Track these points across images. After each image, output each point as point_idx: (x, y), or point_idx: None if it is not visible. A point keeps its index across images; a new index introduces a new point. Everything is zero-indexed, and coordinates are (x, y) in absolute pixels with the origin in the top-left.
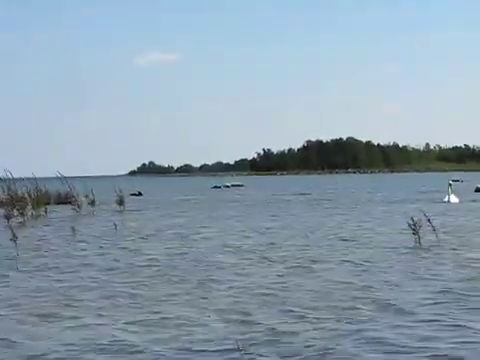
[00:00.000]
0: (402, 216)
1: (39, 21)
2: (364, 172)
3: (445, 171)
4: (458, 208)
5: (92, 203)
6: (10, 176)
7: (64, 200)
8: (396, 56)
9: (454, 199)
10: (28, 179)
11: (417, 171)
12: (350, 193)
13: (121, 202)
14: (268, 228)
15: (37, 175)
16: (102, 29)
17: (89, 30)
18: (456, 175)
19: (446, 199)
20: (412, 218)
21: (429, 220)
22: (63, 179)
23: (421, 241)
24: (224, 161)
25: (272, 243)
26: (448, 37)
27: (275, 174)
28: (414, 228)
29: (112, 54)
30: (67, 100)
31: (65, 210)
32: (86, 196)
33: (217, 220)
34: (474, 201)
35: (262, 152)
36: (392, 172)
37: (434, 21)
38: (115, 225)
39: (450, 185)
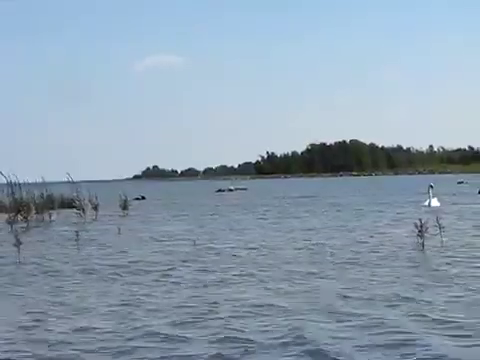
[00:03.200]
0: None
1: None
2: (368, 174)
3: (449, 173)
4: (437, 211)
5: (96, 208)
6: (15, 180)
7: (68, 205)
8: (398, 59)
9: (435, 203)
10: (34, 184)
11: (421, 173)
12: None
13: (125, 206)
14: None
15: (42, 179)
16: (102, 34)
17: (89, 36)
18: (460, 177)
19: (426, 203)
20: (420, 220)
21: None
22: (71, 183)
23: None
24: (228, 165)
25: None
26: (451, 40)
27: (279, 177)
28: (420, 230)
29: (112, 58)
30: (69, 105)
31: (69, 215)
32: (90, 201)
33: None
34: (455, 204)
35: (266, 155)
36: (396, 174)
37: (436, 24)
38: (119, 229)
39: (431, 187)
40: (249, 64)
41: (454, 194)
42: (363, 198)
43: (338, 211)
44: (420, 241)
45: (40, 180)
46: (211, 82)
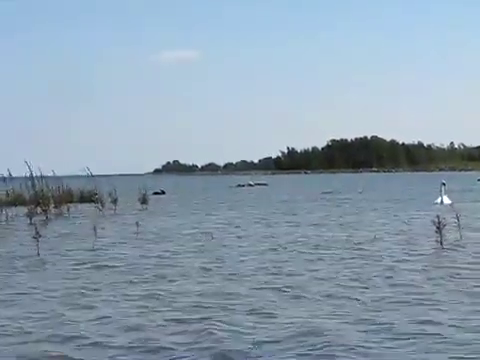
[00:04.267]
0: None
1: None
2: (388, 171)
3: (470, 170)
4: (448, 210)
5: (115, 202)
6: (35, 174)
7: (87, 198)
8: (419, 54)
9: (447, 200)
10: (52, 177)
11: (442, 170)
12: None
13: (144, 201)
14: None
15: (61, 173)
16: (125, 28)
17: (109, 31)
18: None
19: (439, 200)
20: (438, 216)
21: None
22: (89, 177)
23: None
24: (248, 160)
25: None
26: (469, 36)
27: (299, 173)
28: (438, 227)
29: (132, 52)
30: (90, 100)
31: (88, 208)
32: (109, 194)
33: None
34: (470, 202)
35: (286, 151)
36: (416, 171)
37: (453, 19)
38: (137, 224)
39: (443, 185)
40: (271, 59)
41: (471, 191)
42: (379, 195)
43: (354, 207)
44: (438, 238)
45: (56, 174)
46: (232, 77)
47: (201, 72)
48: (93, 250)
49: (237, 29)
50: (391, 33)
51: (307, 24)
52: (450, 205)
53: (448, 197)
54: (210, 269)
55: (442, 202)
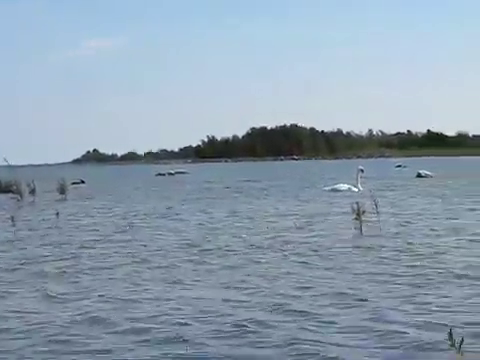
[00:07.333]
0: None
1: None
2: (308, 158)
3: (388, 157)
4: (361, 196)
5: (33, 192)
6: None
7: (4, 189)
8: (345, 41)
9: (343, 187)
10: None
11: (360, 157)
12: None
13: (62, 191)
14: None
15: None
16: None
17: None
18: (399, 161)
19: (355, 189)
20: (357, 203)
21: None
22: (8, 167)
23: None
24: (169, 148)
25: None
26: (390, 26)
27: (220, 161)
28: (358, 213)
29: (49, 41)
30: (7, 88)
31: (5, 199)
32: (27, 185)
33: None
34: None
35: (206, 139)
36: (336, 158)
37: (381, 6)
38: (57, 214)
39: (362, 171)
40: (190, 46)
41: (388, 177)
42: (294, 182)
43: (278, 196)
44: (358, 225)
45: None
46: (150, 65)
47: (121, 60)
48: (12, 241)
49: (160, 19)
50: (315, 18)
51: (234, 8)
52: (368, 191)
53: (364, 184)
54: None
55: (359, 190)
